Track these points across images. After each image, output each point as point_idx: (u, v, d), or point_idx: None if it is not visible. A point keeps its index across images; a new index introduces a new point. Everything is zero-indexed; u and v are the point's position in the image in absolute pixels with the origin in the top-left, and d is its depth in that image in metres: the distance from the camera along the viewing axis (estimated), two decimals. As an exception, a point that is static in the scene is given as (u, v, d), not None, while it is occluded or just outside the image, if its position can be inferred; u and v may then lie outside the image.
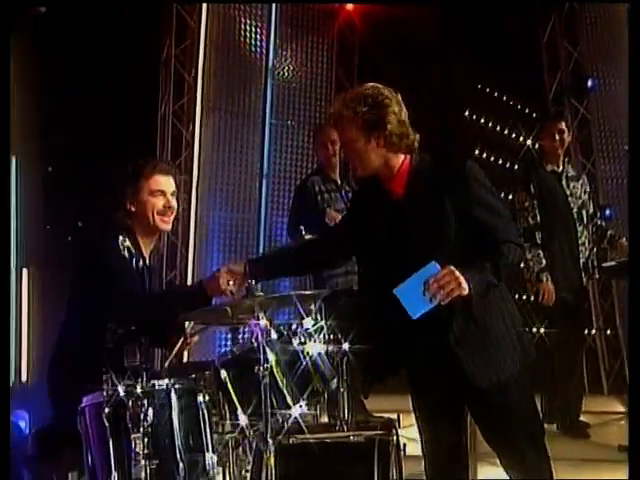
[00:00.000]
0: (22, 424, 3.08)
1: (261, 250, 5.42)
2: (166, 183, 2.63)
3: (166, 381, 1.98)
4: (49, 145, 4.93)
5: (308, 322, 2.19)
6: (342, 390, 2.38)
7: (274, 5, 5.56)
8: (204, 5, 5.23)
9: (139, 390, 1.92)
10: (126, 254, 2.50)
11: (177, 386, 2.00)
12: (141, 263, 2.58)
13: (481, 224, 2.16)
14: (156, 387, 1.96)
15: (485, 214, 2.17)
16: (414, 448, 3.56)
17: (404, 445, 2.48)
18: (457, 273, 2.02)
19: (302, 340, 2.16)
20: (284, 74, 5.62)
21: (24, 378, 4.32)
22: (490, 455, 2.40)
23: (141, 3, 4.99)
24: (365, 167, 2.25)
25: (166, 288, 3.57)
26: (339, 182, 4.31)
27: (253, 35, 5.50)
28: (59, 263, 4.37)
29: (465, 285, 2.03)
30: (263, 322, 2.07)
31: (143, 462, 1.85)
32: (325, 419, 3.05)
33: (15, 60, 4.74)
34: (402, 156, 2.25)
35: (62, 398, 2.30)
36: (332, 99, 5.54)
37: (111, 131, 5.00)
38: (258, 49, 5.52)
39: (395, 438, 2.31)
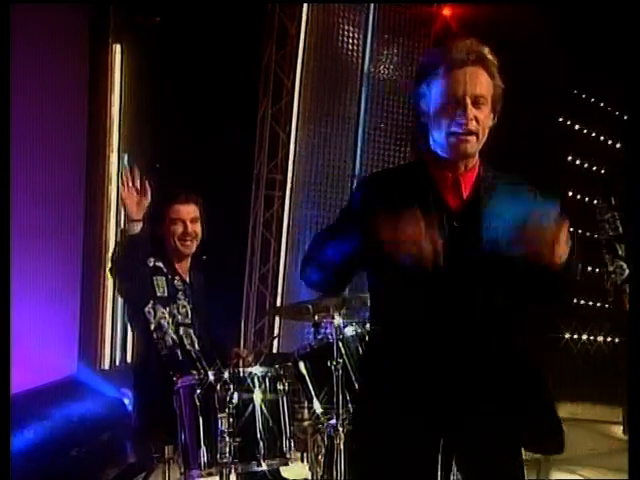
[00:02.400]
0: (126, 401, 3.40)
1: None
2: (185, 211, 2.91)
3: (250, 369, 2.22)
4: (154, 145, 5.31)
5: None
6: None
7: (371, 11, 5.72)
8: (304, 13, 5.46)
9: (226, 375, 2.17)
10: (153, 268, 2.85)
11: (260, 374, 2.22)
12: (177, 281, 2.91)
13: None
14: (241, 374, 2.19)
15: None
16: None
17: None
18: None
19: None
20: (379, 79, 5.77)
21: (129, 358, 4.70)
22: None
23: (246, 11, 5.28)
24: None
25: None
26: None
27: (350, 41, 5.69)
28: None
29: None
30: (337, 320, 2.25)
31: (227, 439, 2.10)
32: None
33: (125, 66, 5.19)
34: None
35: (159, 379, 2.59)
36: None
37: (213, 132, 5.32)
38: (354, 54, 5.70)
39: None
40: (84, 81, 5.09)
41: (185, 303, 2.86)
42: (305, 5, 5.44)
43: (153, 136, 5.28)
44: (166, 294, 2.88)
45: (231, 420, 2.14)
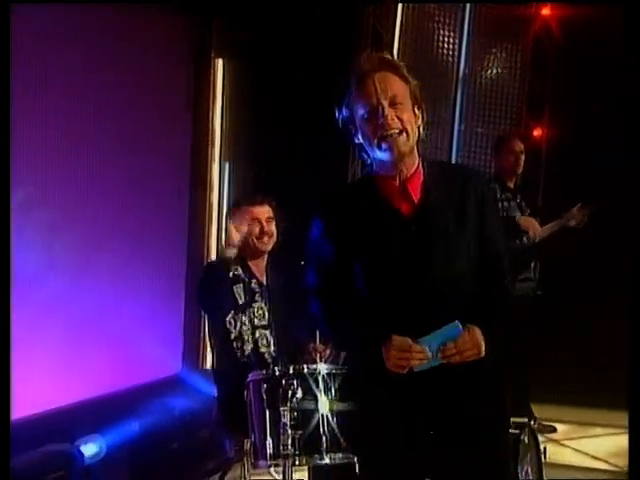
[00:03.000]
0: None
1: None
2: (260, 212, 3.08)
3: (315, 365, 2.30)
4: (258, 151, 5.52)
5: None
6: None
7: (467, 13, 5.69)
8: (398, 18, 5.50)
9: (291, 371, 2.26)
10: (233, 278, 3.01)
11: (324, 371, 2.30)
12: (254, 284, 3.04)
13: (491, 250, 2.00)
14: (305, 370, 2.28)
15: (495, 238, 2.02)
16: (574, 458, 3.61)
17: (544, 449, 2.57)
18: (479, 338, 1.88)
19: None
20: (476, 82, 5.73)
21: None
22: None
23: (340, 19, 5.39)
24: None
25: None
26: (514, 190, 4.42)
27: (445, 45, 5.69)
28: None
29: (483, 350, 1.89)
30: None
31: (289, 432, 2.19)
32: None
33: (227, 79, 5.43)
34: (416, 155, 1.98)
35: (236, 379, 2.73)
36: (525, 106, 5.56)
37: (310, 141, 5.46)
38: (450, 58, 5.69)
39: (527, 438, 2.41)
40: (189, 94, 5.38)
41: (262, 305, 3.00)
42: (399, 10, 5.49)
43: (254, 145, 5.49)
44: (244, 300, 3.03)
45: (294, 414, 2.23)
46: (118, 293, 4.68)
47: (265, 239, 3.12)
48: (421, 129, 1.99)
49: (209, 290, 2.98)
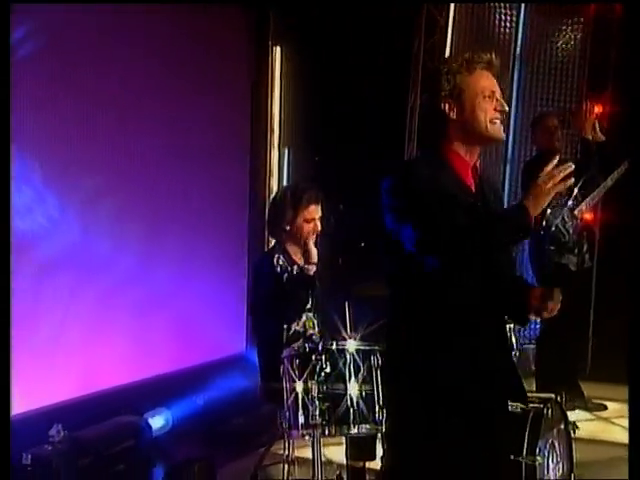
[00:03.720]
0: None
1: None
2: (316, 211, 3.18)
3: (343, 342, 2.43)
4: (316, 136, 5.64)
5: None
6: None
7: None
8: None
9: (320, 348, 2.40)
10: (279, 270, 3.10)
11: (352, 348, 2.43)
12: (296, 271, 3.15)
13: None
14: (334, 346, 2.41)
15: None
16: (622, 436, 3.61)
17: (574, 424, 2.61)
18: None
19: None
20: (534, 59, 5.66)
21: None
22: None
23: (396, 3, 5.44)
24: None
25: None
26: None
27: (502, 22, 5.63)
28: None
29: None
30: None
31: (317, 403, 2.32)
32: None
33: (285, 66, 5.56)
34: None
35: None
36: (584, 84, 5.47)
37: (366, 123, 5.54)
38: (507, 35, 5.63)
39: (550, 412, 2.46)
40: (247, 82, 5.55)
41: (307, 291, 3.12)
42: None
43: (312, 131, 5.61)
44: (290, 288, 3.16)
45: (323, 387, 2.37)
46: (185, 275, 4.92)
47: (314, 237, 3.22)
48: None
49: (266, 278, 3.10)
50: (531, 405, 2.50)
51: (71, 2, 3.80)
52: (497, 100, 2.12)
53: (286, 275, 3.14)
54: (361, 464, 2.96)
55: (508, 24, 5.64)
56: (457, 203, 2.04)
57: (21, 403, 3.94)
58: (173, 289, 4.86)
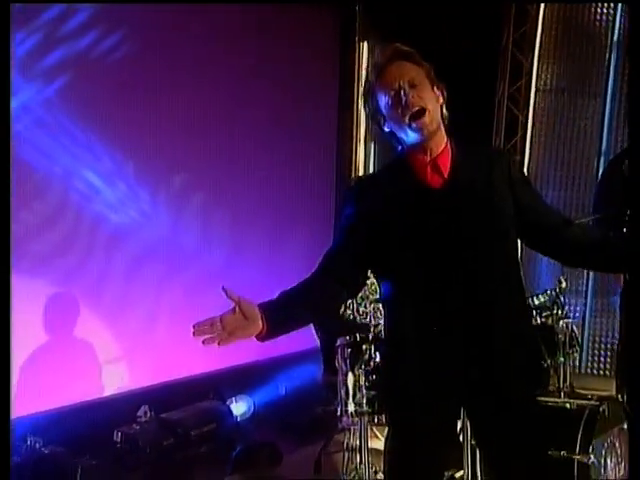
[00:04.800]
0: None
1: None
2: None
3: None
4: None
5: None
6: (562, 361, 2.54)
7: (623, -24, 5.36)
8: (543, -10, 5.34)
9: (370, 337, 2.43)
10: None
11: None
12: None
13: (554, 217, 2.12)
14: (381, 336, 2.44)
15: (546, 207, 2.16)
16: None
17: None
18: None
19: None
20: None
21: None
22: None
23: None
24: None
25: None
26: None
27: (598, 10, 5.41)
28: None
29: None
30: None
31: (364, 392, 2.37)
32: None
33: (373, 57, 5.58)
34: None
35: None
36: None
37: (453, 115, 5.48)
38: (603, 24, 5.41)
39: (608, 411, 2.38)
40: (335, 77, 5.62)
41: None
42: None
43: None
44: None
45: (371, 376, 2.40)
46: (271, 268, 5.06)
47: None
48: (444, 108, 2.10)
49: None
50: (588, 403, 2.43)
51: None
52: (403, 97, 2.00)
53: None
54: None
55: (605, 10, 5.41)
56: (379, 222, 2.01)
57: (113, 385, 4.21)
58: (261, 281, 5.00)
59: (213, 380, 4.55)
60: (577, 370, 5.45)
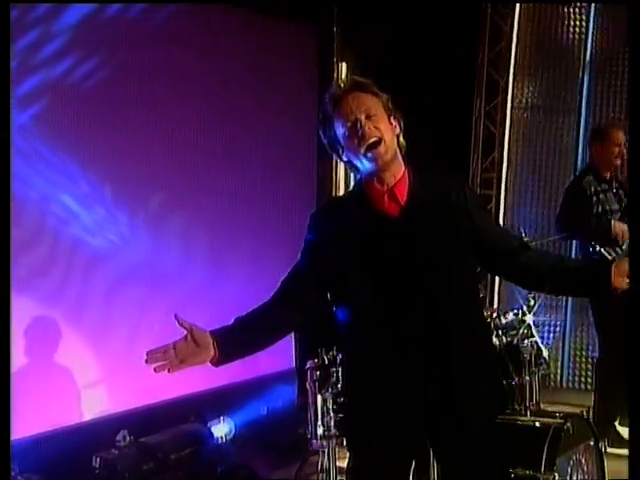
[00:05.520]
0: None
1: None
2: None
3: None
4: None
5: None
6: (527, 380, 2.56)
7: (594, -4, 5.47)
8: (517, 7, 5.42)
9: (339, 360, 2.45)
10: None
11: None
12: None
13: (507, 242, 2.15)
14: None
15: (498, 230, 2.23)
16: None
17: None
18: None
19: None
20: (604, 67, 5.49)
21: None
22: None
23: (460, 15, 5.42)
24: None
25: None
26: (610, 180, 4.28)
27: (570, 29, 5.50)
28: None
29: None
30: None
31: (332, 415, 2.38)
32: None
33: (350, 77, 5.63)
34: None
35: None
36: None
37: (430, 134, 5.53)
38: (576, 43, 5.50)
39: (570, 428, 2.40)
40: (314, 92, 5.66)
41: None
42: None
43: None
44: None
45: (339, 399, 2.42)
46: (255, 287, 5.05)
47: None
48: (401, 138, 2.14)
49: None
50: (552, 420, 2.45)
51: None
52: (360, 128, 2.04)
53: None
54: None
55: (577, 29, 5.50)
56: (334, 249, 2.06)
57: (91, 410, 4.19)
58: (243, 301, 4.98)
59: (194, 402, 4.53)
60: (558, 384, 5.50)
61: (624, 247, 4.14)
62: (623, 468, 2.88)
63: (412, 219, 2.05)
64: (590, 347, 5.48)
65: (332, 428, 2.43)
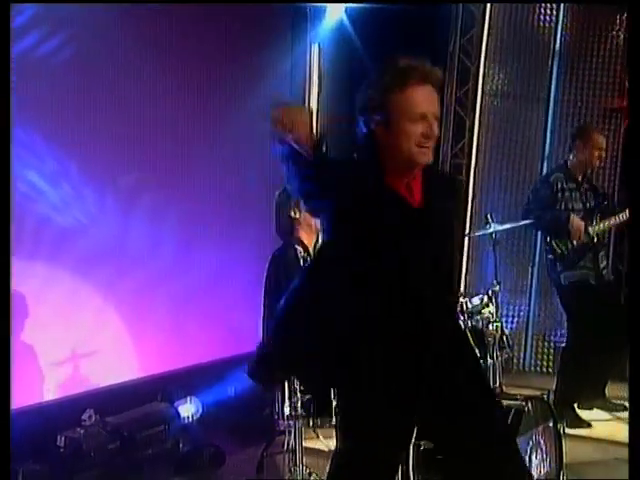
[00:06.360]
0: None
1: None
2: None
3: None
4: (351, 133, 5.67)
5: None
6: (492, 363, 2.62)
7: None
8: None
9: None
10: (301, 262, 3.12)
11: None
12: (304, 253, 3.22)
13: None
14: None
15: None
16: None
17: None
18: None
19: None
20: (573, 57, 5.55)
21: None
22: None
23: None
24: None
25: None
26: (580, 180, 4.36)
27: (541, 18, 5.55)
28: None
29: None
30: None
31: (299, 396, 2.40)
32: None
33: (322, 62, 5.61)
34: None
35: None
36: (624, 82, 5.35)
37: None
38: (546, 32, 5.55)
39: (530, 409, 2.47)
40: (286, 78, 5.63)
41: None
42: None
43: (348, 128, 5.64)
44: None
45: (304, 380, 2.44)
46: (221, 268, 5.05)
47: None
48: None
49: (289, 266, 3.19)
50: (514, 402, 2.51)
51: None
52: (427, 122, 2.05)
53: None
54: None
55: (548, 18, 5.55)
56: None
57: (57, 389, 4.16)
58: (209, 283, 4.99)
59: (161, 382, 4.53)
60: (521, 368, 5.60)
61: (575, 244, 4.24)
62: (580, 448, 2.98)
63: (428, 214, 2.14)
64: (552, 332, 5.59)
65: (299, 409, 2.45)
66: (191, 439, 4.21)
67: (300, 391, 2.46)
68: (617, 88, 5.41)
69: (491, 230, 3.52)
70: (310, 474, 2.62)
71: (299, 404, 2.45)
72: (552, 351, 5.59)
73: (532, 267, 5.53)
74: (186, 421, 4.43)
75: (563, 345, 4.82)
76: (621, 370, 4.33)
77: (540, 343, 5.67)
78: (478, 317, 2.87)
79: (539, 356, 5.68)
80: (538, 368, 5.66)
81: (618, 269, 5.02)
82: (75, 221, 4.27)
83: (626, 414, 4.37)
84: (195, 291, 4.88)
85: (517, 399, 2.59)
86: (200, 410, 4.57)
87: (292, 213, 3.26)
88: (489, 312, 2.89)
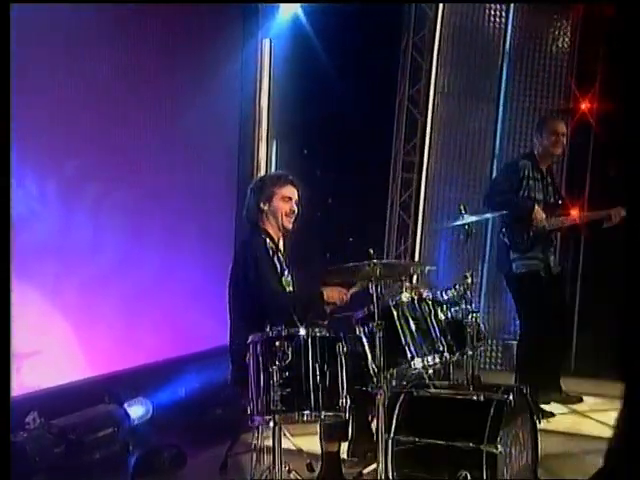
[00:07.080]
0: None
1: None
2: (293, 192, 3.24)
3: (303, 330, 2.43)
4: (303, 129, 5.64)
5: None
6: (470, 354, 2.61)
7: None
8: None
9: (283, 334, 2.39)
10: (270, 252, 3.10)
11: (315, 335, 2.42)
12: (280, 256, 3.18)
13: None
14: (298, 332, 2.41)
15: None
16: (597, 430, 3.62)
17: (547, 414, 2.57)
18: None
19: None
20: (521, 57, 5.65)
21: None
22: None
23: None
24: None
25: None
26: (544, 173, 4.42)
27: (491, 19, 5.63)
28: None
29: None
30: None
31: (278, 389, 2.32)
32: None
33: (274, 59, 5.55)
34: None
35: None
36: (573, 81, 5.47)
37: (354, 115, 5.53)
38: (496, 32, 5.63)
39: (514, 402, 2.46)
40: (237, 74, 5.54)
41: (288, 276, 3.14)
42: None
43: (300, 124, 5.61)
44: (280, 269, 3.17)
45: (284, 373, 2.36)
46: (170, 266, 4.91)
47: (291, 217, 3.26)
48: None
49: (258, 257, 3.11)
50: (495, 395, 2.50)
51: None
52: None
53: (276, 256, 3.17)
54: (335, 448, 2.96)
55: (497, 19, 5.63)
56: None
57: (-1, 390, 3.93)
58: (158, 280, 4.85)
59: (108, 383, 4.36)
60: (472, 365, 5.64)
61: (531, 233, 4.30)
62: (545, 441, 3.00)
63: None
64: (503, 329, 5.66)
65: (279, 403, 2.36)
66: (142, 441, 4.07)
67: (279, 385, 2.37)
68: (565, 89, 5.52)
69: (466, 221, 3.49)
70: (289, 472, 2.53)
71: (278, 398, 2.36)
72: (500, 348, 5.66)
73: (482, 264, 5.58)
74: (136, 422, 4.28)
75: (514, 342, 4.87)
76: (582, 365, 4.41)
77: (488, 340, 5.73)
78: (457, 308, 2.85)
79: (487, 354, 5.74)
80: (487, 365, 5.72)
81: (563, 266, 5.11)
82: (14, 214, 4.05)
83: (582, 407, 4.47)
84: (144, 289, 4.74)
85: (496, 390, 2.58)
86: (150, 411, 4.42)
87: (261, 204, 3.20)
88: (465, 303, 2.88)
